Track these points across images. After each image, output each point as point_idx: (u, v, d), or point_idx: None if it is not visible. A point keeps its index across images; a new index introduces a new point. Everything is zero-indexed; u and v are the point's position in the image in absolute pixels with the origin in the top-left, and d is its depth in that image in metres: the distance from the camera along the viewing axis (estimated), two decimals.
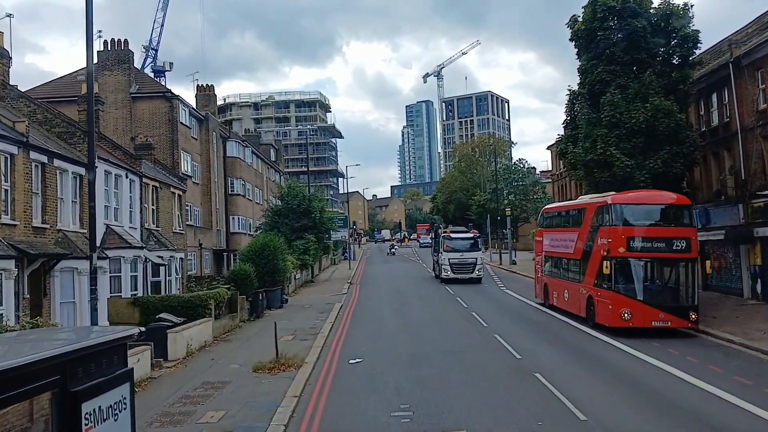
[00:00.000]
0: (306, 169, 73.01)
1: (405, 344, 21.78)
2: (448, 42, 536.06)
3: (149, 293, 28.29)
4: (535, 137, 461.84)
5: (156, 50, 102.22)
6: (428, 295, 37.57)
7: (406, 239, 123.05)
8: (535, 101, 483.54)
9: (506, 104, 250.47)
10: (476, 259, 42.86)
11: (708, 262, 23.58)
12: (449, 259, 42.81)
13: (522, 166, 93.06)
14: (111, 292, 24.95)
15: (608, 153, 26.15)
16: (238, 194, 53.53)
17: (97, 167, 24.75)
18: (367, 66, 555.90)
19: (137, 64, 69.97)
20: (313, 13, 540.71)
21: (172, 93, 42.14)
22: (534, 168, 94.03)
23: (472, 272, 42.41)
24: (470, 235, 44.94)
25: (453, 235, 44.49)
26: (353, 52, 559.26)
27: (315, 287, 46.42)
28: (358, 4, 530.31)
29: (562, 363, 18.12)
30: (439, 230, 51.05)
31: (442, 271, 43.09)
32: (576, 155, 28.30)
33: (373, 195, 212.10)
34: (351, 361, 19.05)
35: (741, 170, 27.97)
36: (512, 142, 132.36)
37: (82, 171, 23.58)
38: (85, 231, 23.33)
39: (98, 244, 24.67)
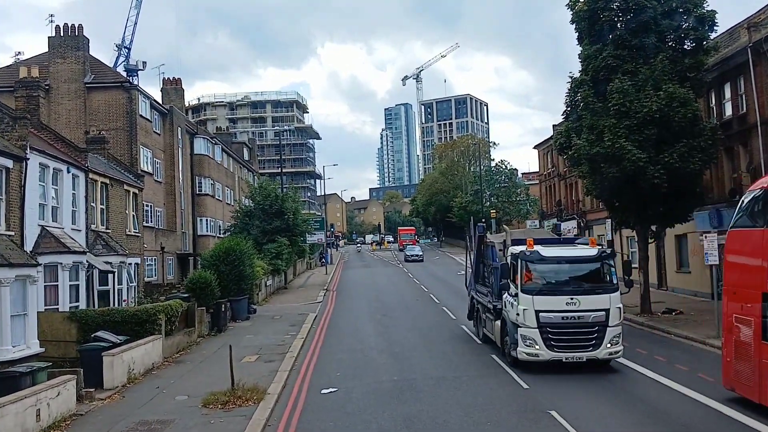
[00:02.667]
0: (281, 170, 69.42)
1: (387, 367, 18.54)
2: (423, 45, 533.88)
3: (95, 305, 24.78)
4: (510, 141, 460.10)
5: (129, 49, 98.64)
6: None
7: (385, 243, 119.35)
8: (510, 106, 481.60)
9: (485, 107, 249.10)
10: (607, 312, 17.30)
11: None
12: (540, 314, 17.10)
13: (504, 167, 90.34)
14: (46, 305, 21.35)
15: (617, 145, 23.13)
16: (207, 194, 49.93)
17: (29, 158, 21.41)
18: (342, 68, 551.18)
19: (109, 62, 66.64)
20: (286, 14, 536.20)
21: (131, 83, 38.69)
22: (516, 169, 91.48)
23: (597, 347, 17.07)
24: (591, 251, 18.62)
25: (547, 253, 18.05)
26: (328, 54, 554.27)
27: (288, 294, 43.04)
28: (330, 5, 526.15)
29: None
30: (491, 236, 24.15)
31: (520, 341, 17.32)
32: (580, 148, 25.23)
33: (352, 197, 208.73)
34: (324, 391, 15.79)
35: (761, 167, 25.15)
36: (493, 143, 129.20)
37: (9, 163, 20.03)
38: (12, 233, 19.88)
39: (30, 247, 21.34)
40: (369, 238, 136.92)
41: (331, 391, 15.72)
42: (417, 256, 72.45)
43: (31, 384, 13.90)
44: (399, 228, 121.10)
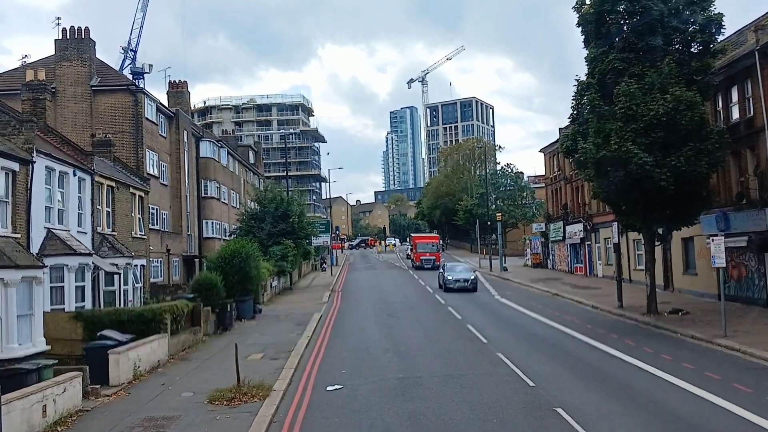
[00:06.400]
0: (286, 173, 69.35)
1: (392, 365, 18.52)
2: (425, 47, 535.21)
3: (102, 305, 24.85)
4: (513, 144, 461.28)
5: (135, 51, 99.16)
6: None
7: (392, 246, 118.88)
8: (512, 108, 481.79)
9: (491, 110, 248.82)
10: None
11: None
12: None
13: (510, 170, 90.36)
14: (52, 305, 21.46)
15: (624, 148, 23.06)
16: (212, 197, 50.03)
17: (35, 162, 21.48)
18: (343, 70, 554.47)
19: (115, 65, 66.91)
20: (287, 15, 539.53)
21: (137, 86, 38.80)
22: (522, 173, 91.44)
23: None
24: None
25: None
26: (329, 56, 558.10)
27: (293, 295, 43.08)
28: (331, 6, 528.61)
29: None
30: None
31: None
32: (586, 151, 25.17)
33: (357, 200, 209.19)
34: (329, 389, 15.75)
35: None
36: (499, 147, 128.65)
37: (15, 166, 20.10)
38: (18, 235, 19.95)
39: (36, 250, 21.42)
40: (390, 240, 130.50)
41: (336, 389, 15.68)
42: (466, 281, 40.56)
43: (38, 381, 13.91)
44: (414, 235, 78.91)
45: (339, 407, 14.07)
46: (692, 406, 13.44)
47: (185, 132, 45.54)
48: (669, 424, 12.32)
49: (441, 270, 43.85)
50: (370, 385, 16.00)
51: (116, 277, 26.28)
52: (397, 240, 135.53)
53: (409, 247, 77.78)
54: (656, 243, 28.39)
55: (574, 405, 13.41)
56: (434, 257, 63.09)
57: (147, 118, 38.28)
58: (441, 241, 77.74)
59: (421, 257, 63.72)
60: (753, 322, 23.07)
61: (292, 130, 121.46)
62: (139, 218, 31.90)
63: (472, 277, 41.24)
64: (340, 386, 15.88)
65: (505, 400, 14.17)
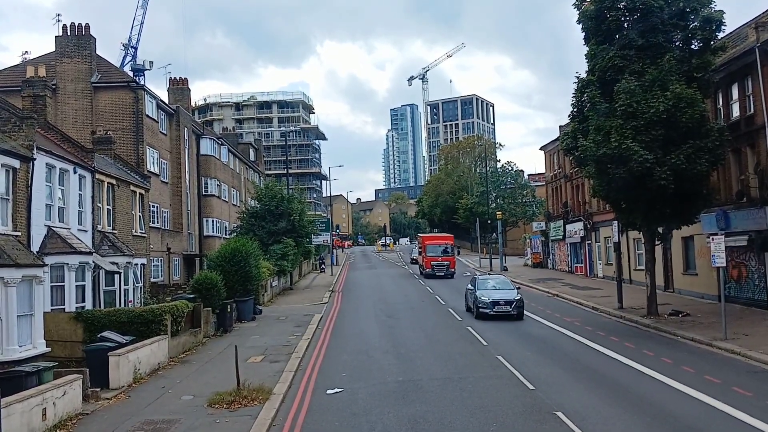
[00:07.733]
0: (287, 171, 69.17)
1: (392, 368, 18.49)
2: (424, 44, 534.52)
3: (102, 305, 24.82)
4: (513, 142, 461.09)
5: (135, 48, 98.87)
6: None
7: (392, 245, 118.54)
8: (512, 105, 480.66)
9: (491, 108, 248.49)
10: None
11: None
12: None
13: (510, 168, 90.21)
14: (52, 305, 21.41)
15: (624, 146, 23.04)
16: (213, 195, 49.96)
17: (35, 159, 21.45)
18: (342, 67, 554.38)
19: (116, 62, 66.73)
20: (285, 12, 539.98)
21: (138, 83, 38.66)
22: (522, 171, 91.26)
23: None
24: None
25: None
26: (327, 53, 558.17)
27: (293, 295, 43.05)
28: (329, 3, 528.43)
29: None
30: None
31: None
32: (587, 149, 25.15)
33: (357, 198, 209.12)
34: (329, 392, 15.76)
35: None
36: (499, 144, 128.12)
37: (15, 163, 20.08)
38: (18, 233, 19.93)
39: (37, 248, 21.39)
40: (389, 240, 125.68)
41: (336, 392, 15.68)
42: (508, 304, 28.09)
43: (38, 383, 13.93)
44: (423, 235, 63.41)
45: (339, 411, 14.07)
46: (692, 410, 13.43)
47: (186, 129, 45.47)
48: (669, 428, 12.31)
49: (470, 286, 31.48)
50: (370, 389, 16.00)
51: (116, 276, 26.22)
52: (407, 240, 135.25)
53: (417, 249, 65.84)
54: (656, 242, 28.36)
55: (574, 408, 13.42)
56: (448, 262, 53.24)
57: (147, 115, 38.20)
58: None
59: (432, 262, 53.11)
60: (753, 325, 23.02)
61: (292, 128, 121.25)
62: (140, 216, 31.83)
63: (517, 297, 28.67)
64: (340, 389, 15.88)
65: (505, 403, 14.16)
